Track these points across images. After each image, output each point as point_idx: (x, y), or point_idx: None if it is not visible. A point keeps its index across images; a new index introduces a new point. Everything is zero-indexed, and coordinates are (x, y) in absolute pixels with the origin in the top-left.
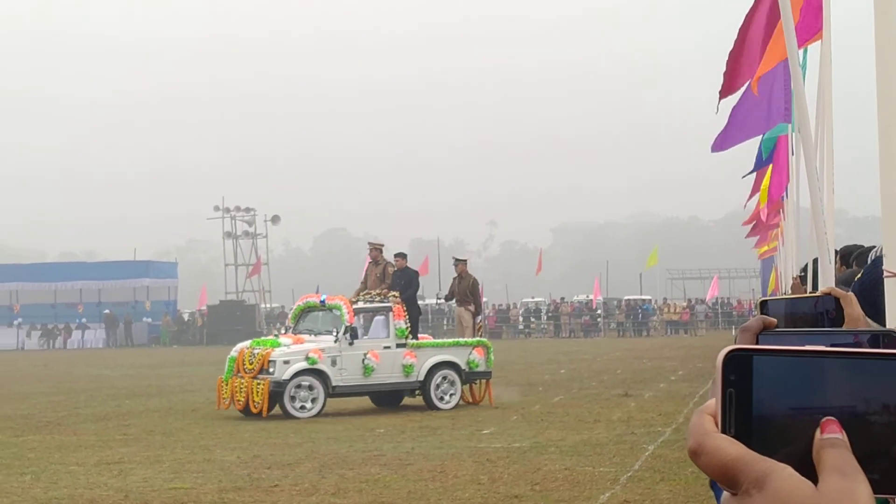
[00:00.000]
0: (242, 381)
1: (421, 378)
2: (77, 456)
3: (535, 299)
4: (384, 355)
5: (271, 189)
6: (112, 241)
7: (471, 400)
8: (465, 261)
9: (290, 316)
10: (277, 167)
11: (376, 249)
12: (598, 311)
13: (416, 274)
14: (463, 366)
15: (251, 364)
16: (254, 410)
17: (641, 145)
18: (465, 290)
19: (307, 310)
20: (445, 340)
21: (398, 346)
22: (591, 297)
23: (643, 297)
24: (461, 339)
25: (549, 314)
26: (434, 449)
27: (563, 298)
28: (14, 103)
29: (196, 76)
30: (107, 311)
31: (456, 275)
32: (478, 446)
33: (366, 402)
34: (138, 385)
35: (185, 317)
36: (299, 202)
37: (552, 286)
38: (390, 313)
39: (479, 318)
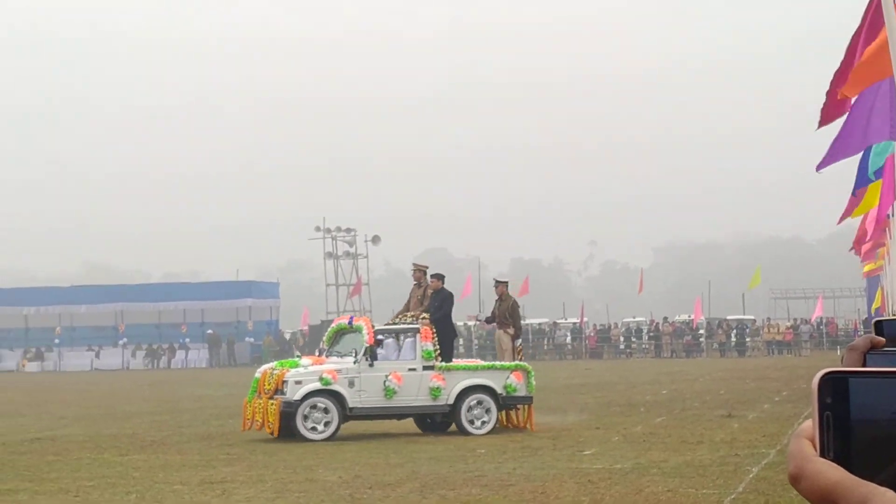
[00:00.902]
0: (260, 401)
1: (450, 402)
2: (181, 475)
3: (637, 319)
4: (408, 377)
5: (372, 209)
6: (215, 262)
7: (512, 425)
8: (506, 283)
9: (324, 338)
10: (378, 187)
11: (420, 271)
12: (700, 331)
13: (449, 295)
14: (499, 390)
15: (269, 385)
16: (267, 431)
17: (743, 163)
18: (505, 312)
19: (340, 332)
20: (480, 364)
21: (425, 368)
22: (693, 316)
23: (746, 316)
24: (497, 363)
25: (651, 334)
26: (535, 470)
27: (665, 318)
28: (116, 125)
29: (298, 98)
30: (210, 331)
31: (497, 297)
32: (579, 467)
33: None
34: (241, 405)
35: (287, 336)
36: (399, 222)
37: (654, 306)
38: (417, 335)
39: (519, 341)
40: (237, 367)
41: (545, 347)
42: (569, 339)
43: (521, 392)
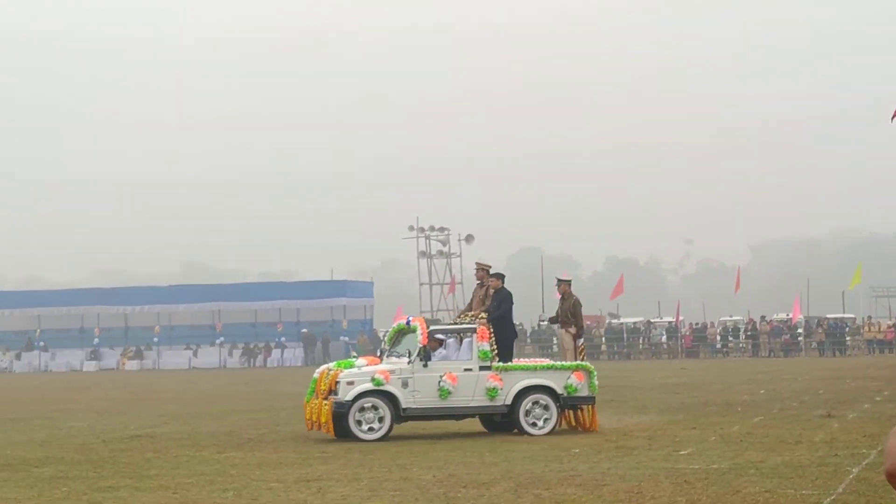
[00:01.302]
0: (317, 402)
1: (508, 402)
2: (277, 473)
3: (734, 318)
4: (463, 378)
5: (465, 208)
6: (310, 261)
7: (577, 426)
8: (569, 281)
9: (385, 338)
10: (471, 186)
11: (482, 270)
12: (799, 330)
13: (508, 295)
14: (560, 390)
15: (324, 385)
16: (323, 431)
17: (842, 159)
18: (567, 311)
19: (400, 332)
20: (539, 363)
21: (481, 368)
22: (792, 315)
23: (846, 315)
24: (558, 363)
25: (748, 333)
26: (630, 469)
27: (763, 317)
28: (211, 129)
29: (391, 97)
30: (305, 329)
31: (559, 295)
32: (675, 467)
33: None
34: None
35: (381, 335)
36: (493, 221)
37: (751, 304)
38: (474, 335)
39: (581, 340)
40: None
41: (640, 347)
42: (664, 338)
43: (583, 392)
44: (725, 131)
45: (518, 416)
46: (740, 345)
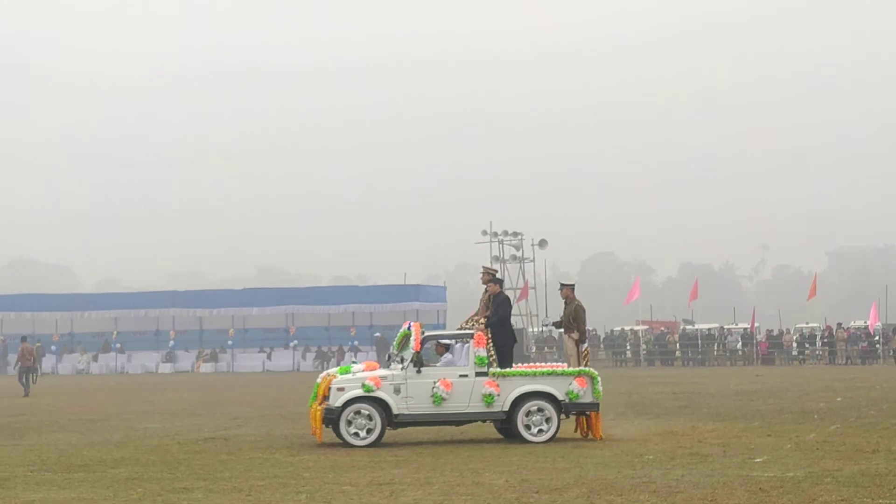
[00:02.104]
0: (314, 407)
1: (506, 408)
2: (350, 476)
3: (810, 325)
4: (458, 384)
5: (539, 213)
6: (383, 265)
7: (583, 433)
8: (572, 286)
9: (394, 343)
10: (544, 191)
11: (488, 274)
12: (877, 338)
13: (505, 299)
14: (561, 397)
15: (322, 391)
16: (314, 435)
17: None
18: (569, 316)
19: (406, 337)
20: (538, 369)
21: (478, 374)
22: (869, 322)
23: None
24: (559, 369)
25: (825, 340)
26: (704, 477)
27: (839, 324)
28: (289, 144)
29: (462, 100)
30: (377, 333)
31: (563, 300)
32: (750, 475)
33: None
34: None
35: None
36: (566, 226)
37: (828, 311)
38: (471, 340)
39: (584, 346)
40: None
41: (715, 353)
42: (739, 344)
43: (586, 399)
44: (803, 142)
45: (516, 422)
46: (817, 352)
